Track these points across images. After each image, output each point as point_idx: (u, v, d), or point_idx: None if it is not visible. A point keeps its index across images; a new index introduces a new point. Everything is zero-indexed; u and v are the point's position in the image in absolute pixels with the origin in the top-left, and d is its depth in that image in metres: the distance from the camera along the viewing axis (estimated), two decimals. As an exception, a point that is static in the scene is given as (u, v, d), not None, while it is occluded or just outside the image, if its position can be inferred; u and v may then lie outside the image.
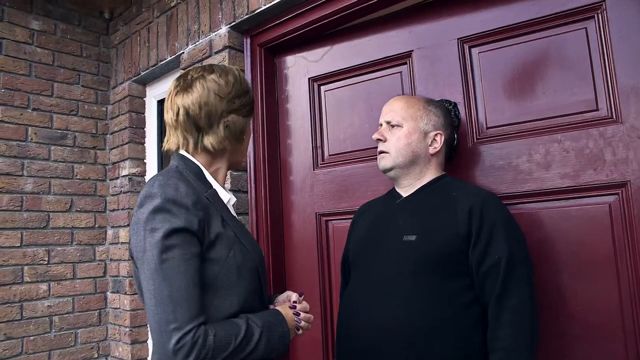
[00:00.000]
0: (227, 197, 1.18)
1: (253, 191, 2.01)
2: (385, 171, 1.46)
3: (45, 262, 2.46)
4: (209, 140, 1.15)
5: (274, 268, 1.98)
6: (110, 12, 2.84)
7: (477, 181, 1.60)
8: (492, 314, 1.22)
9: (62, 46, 2.66)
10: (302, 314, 1.20)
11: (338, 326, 1.43)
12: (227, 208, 1.16)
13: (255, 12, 1.94)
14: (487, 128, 1.62)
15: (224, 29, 2.07)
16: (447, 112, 1.53)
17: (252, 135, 1.31)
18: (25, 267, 2.40)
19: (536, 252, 1.45)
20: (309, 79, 2.04)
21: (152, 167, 2.64)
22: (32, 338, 2.37)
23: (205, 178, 1.15)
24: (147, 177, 2.65)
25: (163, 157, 2.61)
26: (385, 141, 1.45)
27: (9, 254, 2.35)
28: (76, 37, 2.73)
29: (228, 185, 1.97)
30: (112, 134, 2.76)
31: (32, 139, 2.50)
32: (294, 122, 2.08)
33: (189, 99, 1.13)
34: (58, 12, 2.67)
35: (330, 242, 1.94)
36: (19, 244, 2.39)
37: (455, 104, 1.59)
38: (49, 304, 2.44)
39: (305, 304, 1.24)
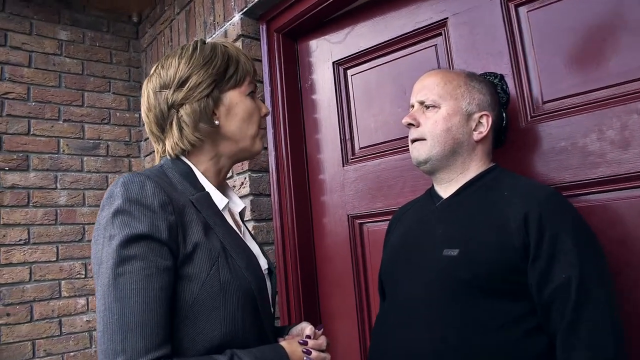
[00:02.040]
0: (223, 201, 0.97)
1: (276, 194, 1.80)
2: (419, 164, 1.18)
3: (82, 276, 2.41)
4: (169, 145, 0.97)
5: (303, 280, 1.76)
6: (139, 15, 2.77)
7: (534, 170, 1.29)
8: (563, 349, 0.92)
9: (91, 54, 2.61)
10: (315, 353, 0.94)
11: (369, 355, 1.19)
12: (221, 215, 0.94)
13: (266, -8, 1.74)
14: (543, 103, 1.31)
15: (237, 17, 1.88)
16: (494, 87, 1.24)
17: (259, 117, 1.04)
18: (63, 282, 2.35)
19: (614, 256, 1.13)
20: (333, 63, 1.81)
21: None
22: (72, 354, 2.32)
23: (196, 179, 0.96)
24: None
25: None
26: (418, 126, 1.17)
27: (45, 268, 2.32)
28: (105, 44, 2.67)
29: (246, 189, 1.78)
30: (145, 140, 2.67)
31: (64, 150, 2.45)
32: (320, 114, 1.85)
33: (142, 108, 1.00)
34: (86, 21, 2.62)
35: (365, 247, 1.70)
36: (55, 259, 2.35)
37: (501, 77, 1.29)
38: (87, 318, 2.39)
39: (321, 340, 0.98)
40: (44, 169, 2.38)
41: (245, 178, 1.79)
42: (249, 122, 1.00)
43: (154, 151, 2.50)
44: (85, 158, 2.51)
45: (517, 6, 1.36)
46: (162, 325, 0.77)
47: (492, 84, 1.25)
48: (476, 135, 1.15)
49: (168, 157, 0.98)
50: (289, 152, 1.82)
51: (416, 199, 1.32)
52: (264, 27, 1.89)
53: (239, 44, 1.85)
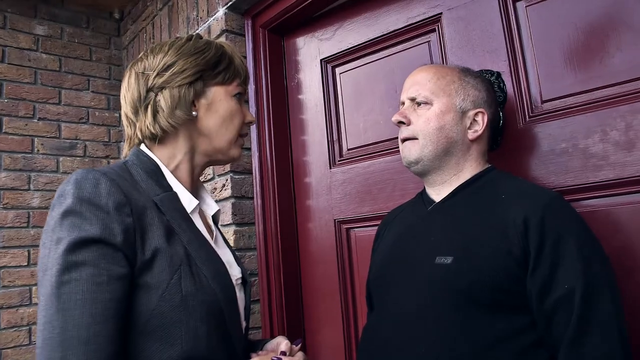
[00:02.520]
0: (192, 203, 0.88)
1: (259, 197, 1.71)
2: (410, 165, 1.10)
3: (55, 282, 2.28)
4: (139, 128, 0.89)
5: (286, 287, 1.67)
6: (121, 11, 2.67)
7: (533, 173, 1.22)
8: None
9: (70, 51, 2.50)
10: None
11: None
12: (188, 218, 0.86)
13: (252, -15, 1.65)
14: (543, 102, 1.24)
15: (220, 12, 1.79)
16: (490, 84, 1.16)
17: (241, 122, 0.98)
18: (34, 288, 2.22)
19: (618, 263, 1.05)
20: (321, 60, 1.72)
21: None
22: (42, 365, 2.19)
23: (163, 177, 0.87)
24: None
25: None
26: (408, 124, 1.09)
27: (15, 274, 2.19)
28: (85, 41, 2.56)
29: (228, 191, 1.68)
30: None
31: (38, 150, 2.34)
32: (307, 114, 1.76)
33: (122, 89, 0.93)
34: (65, 16, 2.51)
35: (352, 253, 1.61)
36: (26, 263, 2.22)
37: (498, 74, 1.22)
38: (59, 327, 2.26)
39: (298, 357, 0.90)
40: (16, 169, 2.26)
41: (227, 180, 1.70)
42: (229, 124, 0.93)
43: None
44: (61, 158, 2.39)
45: (515, 1, 1.30)
46: (110, 341, 0.68)
47: (489, 81, 1.17)
48: (471, 134, 1.07)
49: (135, 146, 0.91)
50: (274, 153, 1.73)
51: (406, 203, 1.23)
52: (249, 22, 1.81)
53: (222, 40, 1.76)
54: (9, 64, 2.31)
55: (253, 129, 1.75)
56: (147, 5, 2.38)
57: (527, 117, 1.25)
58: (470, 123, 1.08)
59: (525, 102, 1.26)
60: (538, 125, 1.22)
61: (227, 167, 1.70)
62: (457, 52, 1.39)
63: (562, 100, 1.21)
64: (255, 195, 1.72)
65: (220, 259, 0.86)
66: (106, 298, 0.69)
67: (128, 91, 0.91)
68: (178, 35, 2.08)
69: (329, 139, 1.69)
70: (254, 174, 1.74)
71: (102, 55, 2.61)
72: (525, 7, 1.28)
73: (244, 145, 1.00)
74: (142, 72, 0.89)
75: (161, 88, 0.88)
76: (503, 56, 1.30)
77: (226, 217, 1.68)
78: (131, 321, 0.73)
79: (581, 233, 0.90)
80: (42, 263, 0.72)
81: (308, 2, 1.63)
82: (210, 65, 0.91)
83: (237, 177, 1.70)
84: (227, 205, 1.68)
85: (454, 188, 1.07)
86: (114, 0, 2.58)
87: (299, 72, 1.80)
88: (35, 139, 2.34)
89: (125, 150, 0.96)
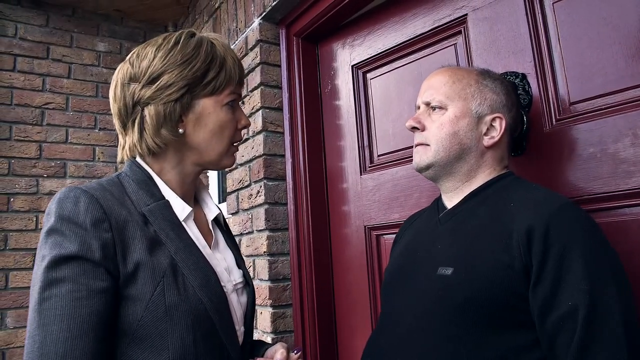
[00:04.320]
0: (185, 211, 0.87)
1: (292, 203, 1.74)
2: (421, 170, 1.07)
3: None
4: (127, 146, 0.88)
5: (318, 292, 1.69)
6: (174, 24, 2.82)
7: (559, 179, 1.15)
8: None
9: (128, 64, 2.67)
10: None
11: None
12: (180, 226, 0.85)
13: (283, -5, 1.69)
14: (571, 103, 1.17)
15: (256, 22, 1.85)
16: (511, 87, 1.11)
17: (233, 131, 0.94)
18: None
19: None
20: (352, 66, 1.73)
21: (213, 183, 2.52)
22: None
23: (156, 187, 0.87)
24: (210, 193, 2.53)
25: (222, 173, 2.47)
26: (422, 130, 1.06)
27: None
28: (141, 54, 2.73)
29: (262, 198, 1.73)
30: (178, 148, 2.70)
31: (99, 158, 2.52)
32: (339, 120, 1.78)
33: (109, 96, 0.90)
34: (123, 32, 2.70)
35: (382, 260, 1.60)
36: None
37: (523, 76, 1.17)
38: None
39: None
40: (79, 176, 2.46)
41: (261, 186, 1.75)
42: (219, 136, 0.89)
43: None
44: (119, 166, 2.57)
45: (541, -3, 1.24)
46: (88, 354, 0.70)
47: (510, 82, 1.12)
48: (487, 141, 1.02)
49: (126, 158, 0.91)
50: (307, 160, 1.76)
51: (424, 209, 1.21)
52: (284, 31, 1.85)
53: (257, 50, 1.82)
54: (74, 79, 2.52)
55: (287, 135, 1.79)
56: (195, 18, 2.50)
57: (554, 120, 1.19)
58: (487, 129, 1.03)
59: (552, 104, 1.20)
60: (565, 129, 1.16)
61: (262, 174, 1.75)
62: (483, 54, 1.34)
63: (592, 101, 1.13)
64: (288, 201, 1.76)
65: (210, 266, 0.85)
66: (85, 312, 0.71)
67: (115, 102, 0.88)
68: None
69: (360, 145, 1.69)
70: (287, 180, 1.78)
71: (157, 68, 2.76)
72: (553, 4, 1.21)
73: (237, 152, 0.97)
74: (128, 83, 0.85)
75: (147, 103, 0.84)
76: (529, 57, 1.24)
77: (260, 223, 1.73)
78: (121, 331, 0.75)
79: (591, 246, 0.82)
80: (32, 279, 0.76)
81: (337, 9, 1.64)
82: (199, 77, 0.85)
83: (270, 183, 1.75)
84: (261, 211, 1.73)
85: (465, 195, 1.04)
86: (168, 14, 2.73)
87: (332, 79, 1.82)
88: (97, 148, 2.53)
89: (119, 156, 0.93)
